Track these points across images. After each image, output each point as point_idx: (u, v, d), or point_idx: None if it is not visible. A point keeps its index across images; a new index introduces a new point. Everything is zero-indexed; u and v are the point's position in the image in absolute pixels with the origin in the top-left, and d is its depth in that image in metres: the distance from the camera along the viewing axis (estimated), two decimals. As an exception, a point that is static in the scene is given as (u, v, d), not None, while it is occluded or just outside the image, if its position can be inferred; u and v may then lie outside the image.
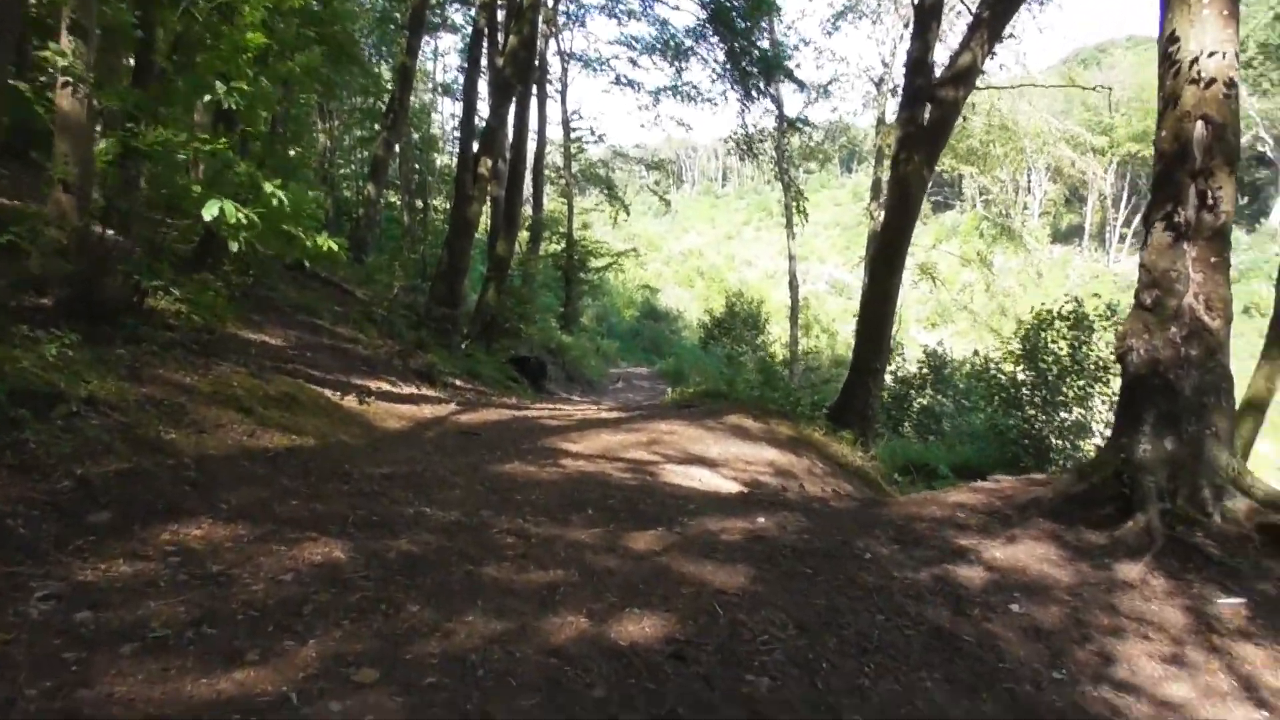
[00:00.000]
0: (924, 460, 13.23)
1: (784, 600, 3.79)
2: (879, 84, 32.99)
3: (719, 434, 9.06)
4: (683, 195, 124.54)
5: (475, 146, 16.21)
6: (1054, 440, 15.67)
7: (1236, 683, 3.27)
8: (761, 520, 5.24)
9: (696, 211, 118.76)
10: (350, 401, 7.87)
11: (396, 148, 30.82)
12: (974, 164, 33.11)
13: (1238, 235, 65.80)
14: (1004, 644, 3.47)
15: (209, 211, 6.11)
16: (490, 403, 10.32)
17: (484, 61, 21.41)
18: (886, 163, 33.17)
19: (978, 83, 11.07)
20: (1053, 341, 15.90)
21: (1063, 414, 15.71)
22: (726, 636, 3.41)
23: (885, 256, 11.21)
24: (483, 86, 22.62)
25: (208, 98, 6.82)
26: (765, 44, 19.32)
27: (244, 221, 6.26)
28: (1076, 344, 15.61)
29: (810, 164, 35.75)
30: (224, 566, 3.94)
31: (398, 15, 23.64)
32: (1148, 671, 3.32)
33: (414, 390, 9.49)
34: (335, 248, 7.36)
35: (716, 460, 8.23)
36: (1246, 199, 70.52)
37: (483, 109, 20.42)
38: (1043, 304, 17.13)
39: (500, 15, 18.12)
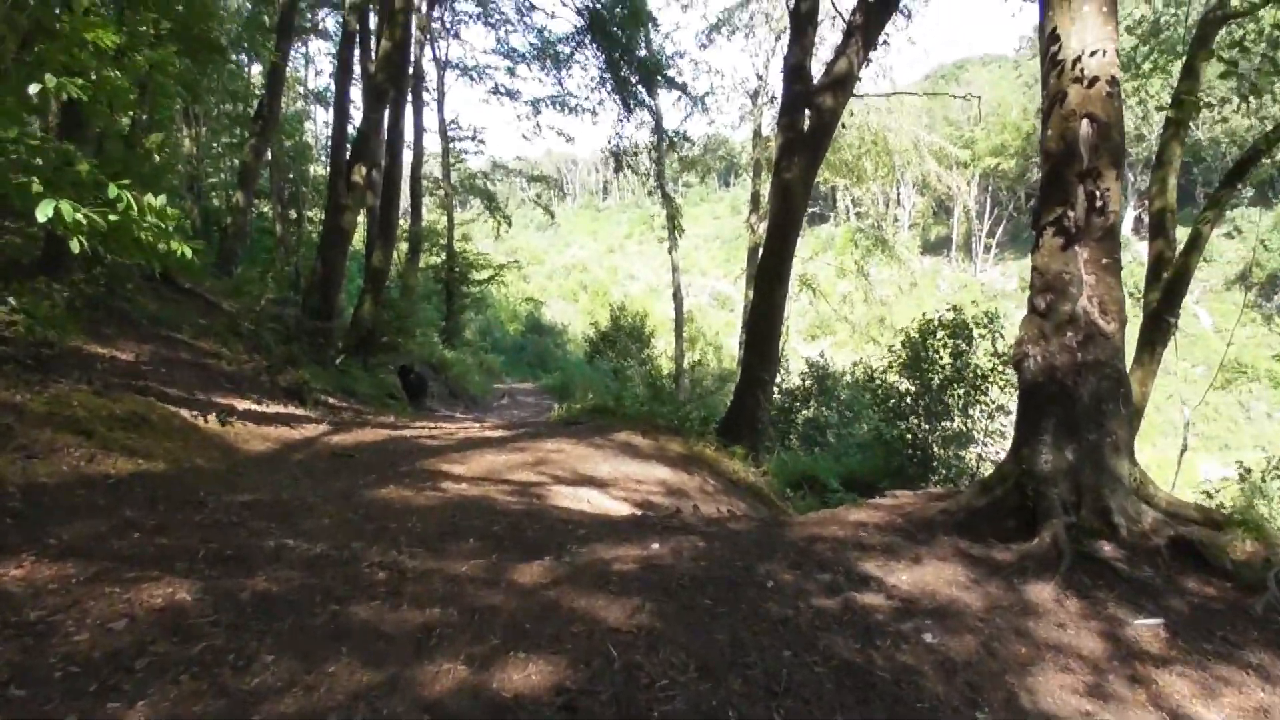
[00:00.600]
0: (813, 473, 13.24)
1: (684, 637, 3.50)
2: (754, 96, 33.50)
3: (608, 452, 8.76)
4: (565, 209, 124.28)
5: (348, 154, 15.55)
6: (937, 450, 15.95)
7: (1165, 716, 3.13)
8: (656, 546, 4.96)
9: (579, 225, 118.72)
10: (210, 422, 7.23)
11: (268, 155, 29.68)
12: (847, 176, 33.92)
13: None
14: (920, 679, 3.25)
15: (43, 212, 5.46)
16: (366, 422, 9.74)
17: (357, 68, 20.72)
18: (765, 175, 33.91)
19: (855, 91, 11.13)
20: (935, 350, 16.20)
21: (945, 423, 16.02)
22: (622, 683, 3.09)
23: (770, 266, 11.15)
24: (356, 94, 21.92)
25: (36, 87, 6.13)
26: (643, 53, 19.17)
27: (83, 223, 5.63)
28: (958, 352, 15.96)
29: (689, 177, 35.93)
30: (44, 613, 3.46)
31: (266, 18, 22.60)
32: (1072, 706, 3.15)
33: (282, 409, 8.84)
34: (190, 253, 6.75)
35: (606, 480, 7.92)
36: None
37: (356, 116, 19.76)
38: (923, 313, 17.47)
39: (373, 20, 17.51)
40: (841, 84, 10.65)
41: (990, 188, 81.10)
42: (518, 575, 4.38)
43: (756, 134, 33.46)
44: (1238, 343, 51.35)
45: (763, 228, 33.18)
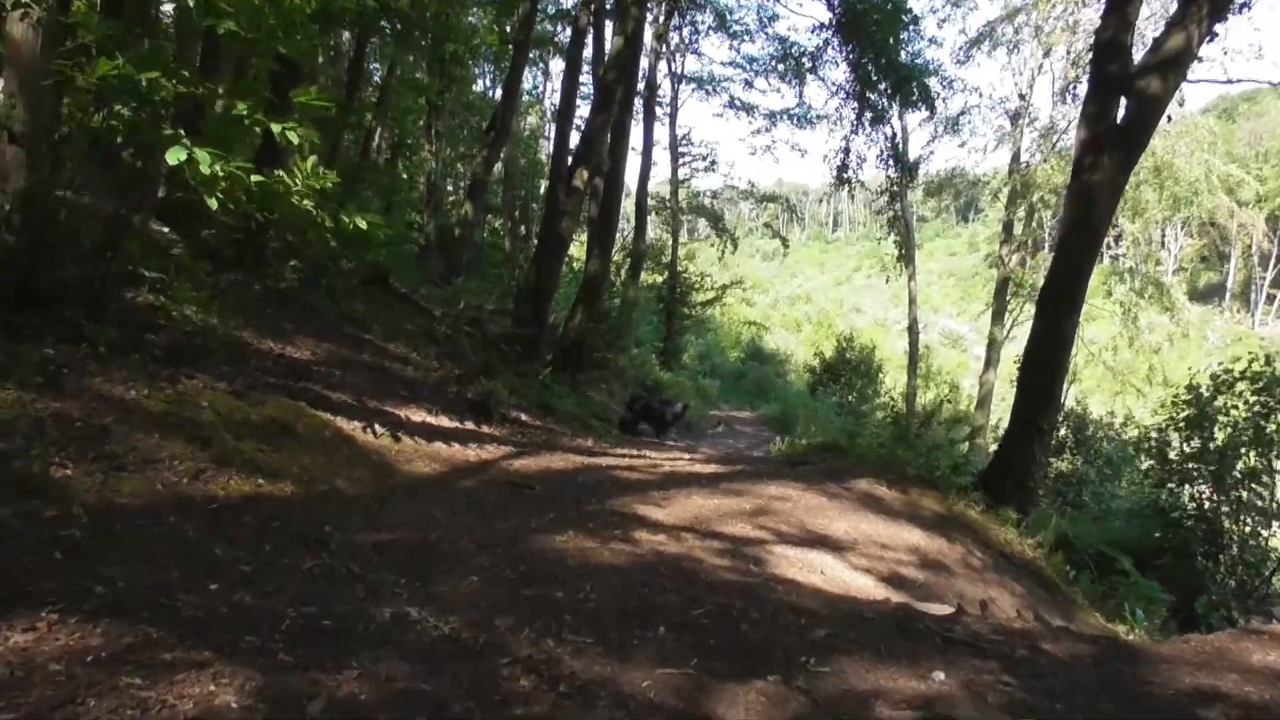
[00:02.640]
0: (1082, 541, 10.73)
1: None
2: (1014, 117, 30.45)
3: (845, 505, 6.96)
4: (792, 239, 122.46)
5: (570, 158, 14.61)
6: (1228, 525, 12.92)
7: None
8: (940, 677, 3.18)
9: (806, 256, 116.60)
10: (371, 435, 6.10)
11: (499, 169, 29.94)
12: (1122, 207, 30.09)
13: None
14: None
15: (174, 156, 4.45)
16: (558, 445, 8.43)
17: (586, 71, 20.02)
18: (1020, 203, 30.75)
19: (1190, 75, 8.76)
20: (1232, 406, 13.11)
21: (1241, 493, 12.90)
22: None
23: (1059, 289, 8.93)
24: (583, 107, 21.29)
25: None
26: (900, 56, 17.12)
27: (220, 174, 4.57)
28: (1264, 410, 12.80)
29: (924, 210, 33.06)
30: (15, 717, 2.21)
31: (507, 27, 22.49)
32: None
33: (462, 425, 7.66)
34: (364, 225, 5.66)
35: (844, 542, 6.14)
36: None
37: (580, 122, 18.98)
38: (1220, 363, 14.43)
39: (608, 30, 16.61)
40: (1173, 64, 8.34)
41: (1269, 232, 71.81)
42: (726, 706, 2.77)
43: (1015, 158, 30.42)
44: None
45: (1015, 260, 30.21)
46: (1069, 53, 29.66)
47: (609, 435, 11.15)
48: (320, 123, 16.22)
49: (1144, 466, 15.67)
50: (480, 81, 32.42)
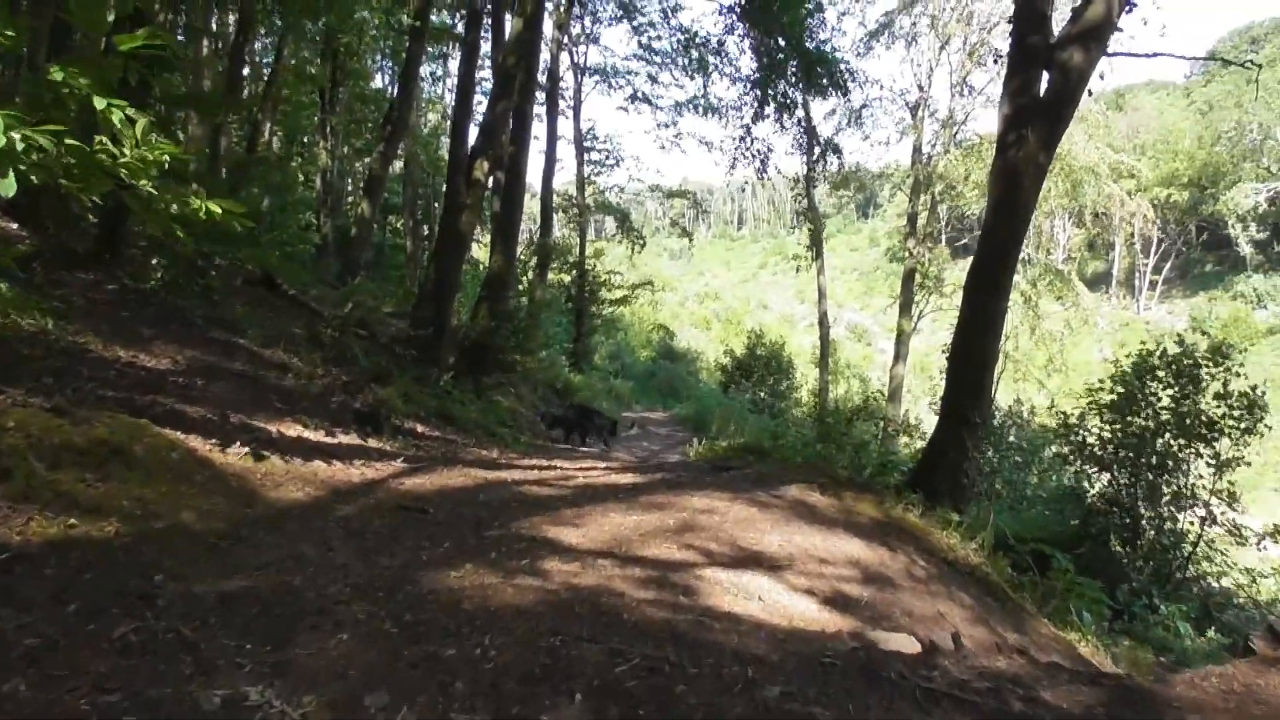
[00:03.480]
0: (1013, 535, 10.38)
1: None
2: (914, 109, 30.66)
3: (776, 515, 6.31)
4: (698, 239, 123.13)
5: (470, 148, 13.74)
6: (1144, 510, 12.84)
7: None
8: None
9: (712, 254, 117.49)
10: (233, 456, 5.18)
11: (399, 166, 28.72)
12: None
13: (1276, 283, 63.21)
14: None
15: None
16: (458, 458, 7.56)
17: (485, 64, 19.14)
18: (923, 195, 30.95)
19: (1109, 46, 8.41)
20: (1152, 391, 13.00)
21: (1159, 477, 12.80)
22: None
23: (988, 273, 8.50)
24: (483, 102, 20.36)
25: None
26: (808, 43, 16.71)
27: (17, 143, 3.64)
28: (1182, 395, 12.72)
29: (826, 205, 33.00)
30: None
31: (404, 17, 21.42)
32: None
33: (346, 439, 6.73)
34: (217, 210, 4.77)
35: (779, 559, 5.48)
36: (1284, 247, 68.22)
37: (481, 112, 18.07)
38: (1141, 343, 14.39)
39: (508, 15, 15.74)
40: (1095, 34, 7.97)
41: (1157, 220, 74.99)
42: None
43: (916, 150, 30.63)
44: None
45: (920, 251, 30.37)
46: (965, 44, 30.04)
47: (517, 443, 10.32)
48: (191, 105, 14.96)
49: (1053, 453, 15.57)
50: (379, 77, 31.19)
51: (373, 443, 6.93)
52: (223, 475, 4.87)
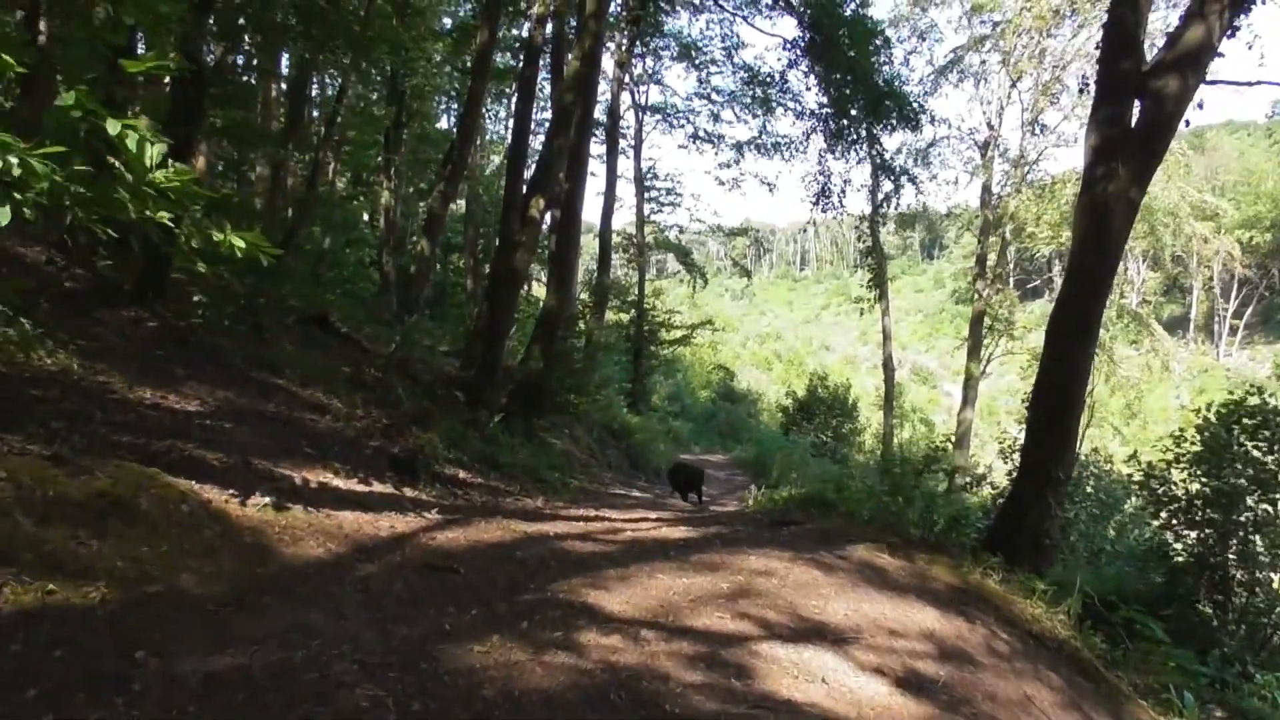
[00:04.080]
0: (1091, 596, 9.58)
1: None
2: (984, 148, 29.88)
3: (841, 579, 5.74)
4: (760, 279, 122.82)
5: (525, 186, 13.49)
6: (1235, 572, 11.86)
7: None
8: None
9: (774, 295, 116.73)
10: (252, 508, 4.80)
11: (460, 205, 28.81)
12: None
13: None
14: None
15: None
16: (499, 508, 7.10)
17: (544, 102, 19.01)
18: (993, 236, 30.03)
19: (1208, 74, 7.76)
20: (1241, 443, 12.07)
21: (1249, 537, 11.84)
22: None
23: (1072, 316, 7.83)
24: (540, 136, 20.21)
25: None
26: (875, 77, 16.23)
27: (14, 166, 3.34)
28: (1264, 448, 11.78)
29: (893, 241, 32.23)
30: None
31: (467, 59, 21.47)
32: None
33: (378, 488, 6.31)
34: (240, 244, 4.44)
35: (844, 631, 4.92)
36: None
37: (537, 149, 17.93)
38: (1231, 392, 13.45)
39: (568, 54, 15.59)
40: (1192, 60, 7.35)
41: (1246, 259, 72.44)
42: None
43: (985, 190, 29.81)
44: None
45: (989, 292, 29.43)
46: (1037, 82, 29.25)
47: (566, 489, 9.85)
48: (253, 140, 14.94)
49: (1131, 508, 14.60)
50: (444, 119, 31.49)
51: (408, 491, 6.51)
52: (236, 530, 4.48)
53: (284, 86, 22.23)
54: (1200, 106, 7.77)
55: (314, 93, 25.91)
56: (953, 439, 28.84)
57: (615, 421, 19.81)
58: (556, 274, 13.99)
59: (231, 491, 4.83)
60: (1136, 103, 7.69)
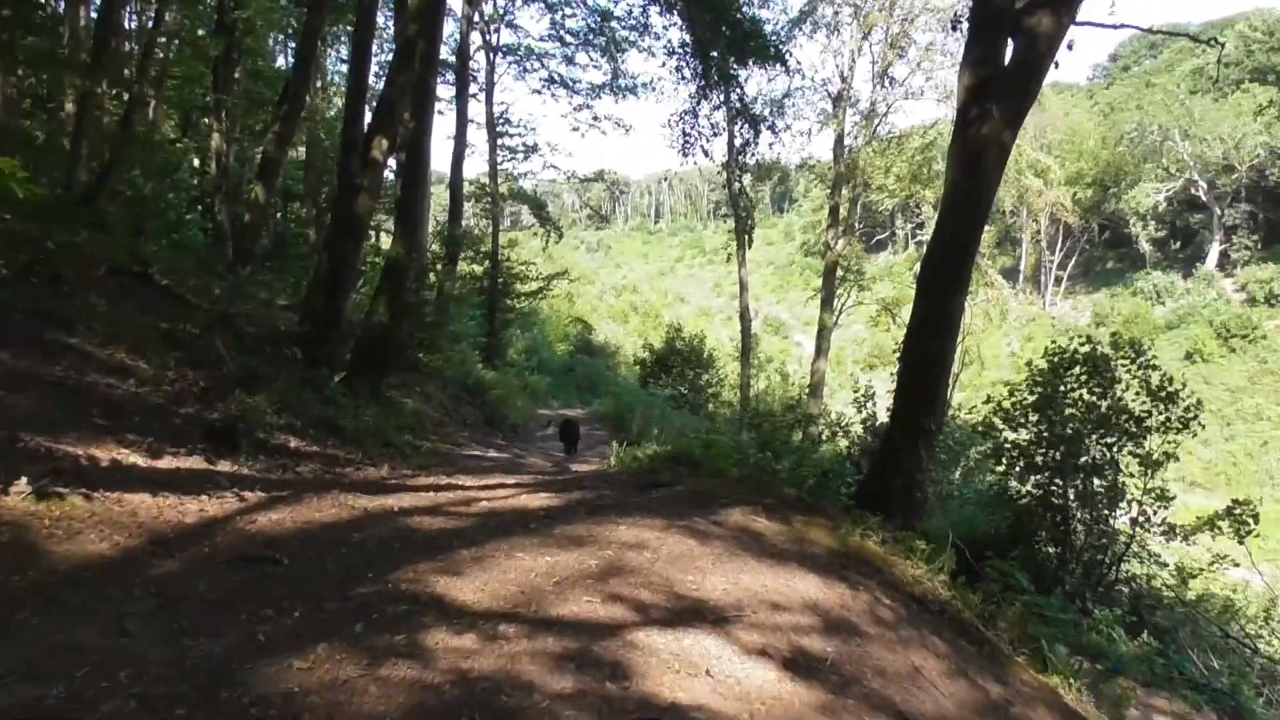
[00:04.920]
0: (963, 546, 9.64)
1: None
2: (836, 100, 30.13)
3: (718, 548, 5.28)
4: (615, 232, 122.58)
5: (366, 125, 12.40)
6: (1076, 511, 12.34)
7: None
8: None
9: (629, 247, 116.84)
10: (15, 497, 3.90)
11: (303, 152, 26.93)
12: (929, 190, 30.33)
13: (1174, 279, 65.27)
14: None
15: None
16: (337, 481, 6.28)
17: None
18: (845, 188, 30.46)
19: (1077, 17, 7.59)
20: (1071, 389, 12.51)
21: (1087, 479, 12.31)
22: None
23: (944, 265, 7.60)
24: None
25: None
26: (738, 14, 15.75)
27: None
28: (1099, 392, 12.23)
29: (758, 187, 32.27)
30: None
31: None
32: None
33: (186, 463, 5.40)
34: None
35: (725, 609, 4.47)
36: (1179, 242, 70.61)
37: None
38: (1053, 340, 13.91)
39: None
40: (1065, -1, 7.18)
41: (1076, 210, 76.91)
42: None
43: (838, 142, 30.10)
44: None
45: (842, 244, 29.89)
46: (887, 35, 29.65)
47: (417, 454, 9.07)
48: (55, 66, 13.18)
49: (976, 453, 14.99)
50: (281, 59, 29.24)
51: (224, 466, 5.62)
52: (-10, 525, 3.61)
53: (94, 15, 19.95)
54: (1070, 47, 7.59)
55: (132, 26, 23.54)
56: (807, 389, 29.39)
57: (470, 378, 18.95)
58: (403, 220, 12.96)
59: (-14, 477, 3.92)
60: (1010, 42, 7.46)
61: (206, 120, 24.16)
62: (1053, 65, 7.50)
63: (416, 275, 17.22)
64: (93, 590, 3.43)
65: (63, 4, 18.95)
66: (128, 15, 22.37)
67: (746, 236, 25.95)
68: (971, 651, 5.31)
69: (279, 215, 26.96)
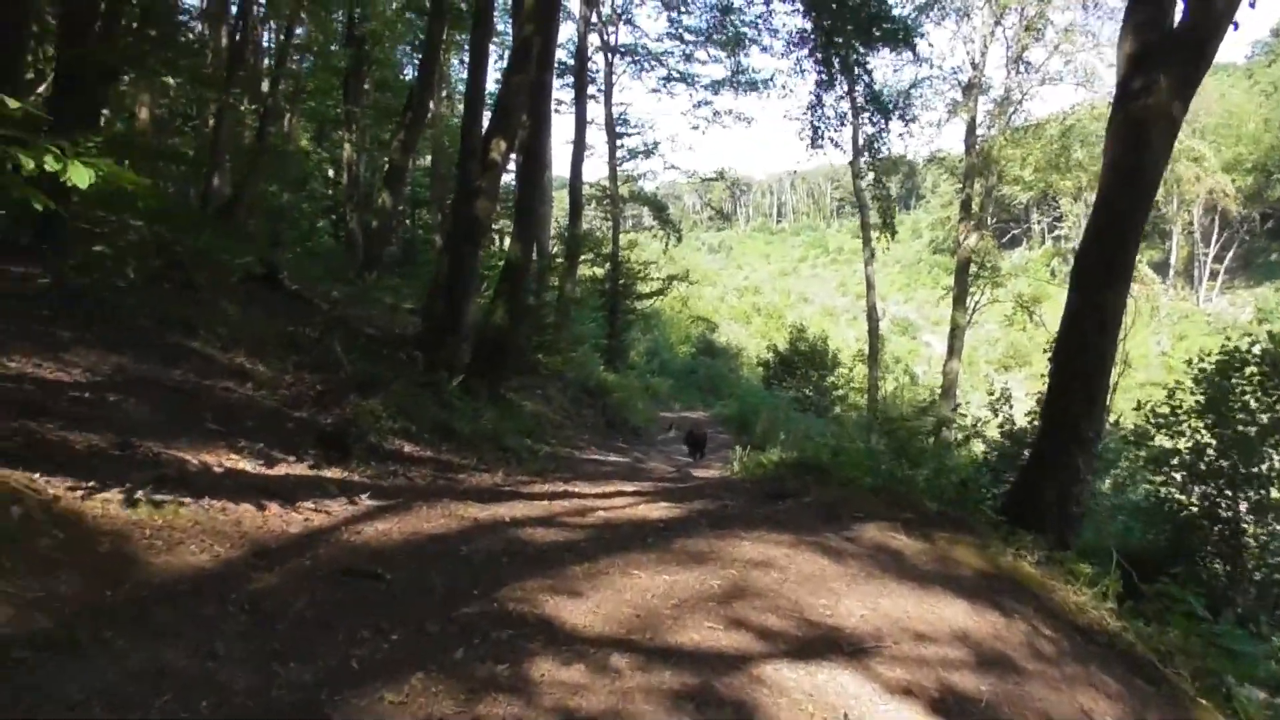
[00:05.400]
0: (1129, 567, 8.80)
1: None
2: (967, 89, 28.80)
3: (853, 568, 4.81)
4: (736, 232, 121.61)
5: (484, 128, 12.35)
6: (1248, 526, 11.21)
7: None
8: None
9: (751, 248, 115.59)
10: (116, 504, 3.80)
11: (428, 159, 27.50)
12: (1072, 182, 28.65)
13: None
14: None
15: None
16: (448, 488, 6.08)
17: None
18: (977, 180, 29.08)
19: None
20: (1244, 393, 11.35)
21: (1256, 489, 11.16)
22: None
23: (1102, 255, 6.85)
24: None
25: None
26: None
27: None
28: (1278, 394, 11.06)
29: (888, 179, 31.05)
30: None
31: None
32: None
33: (296, 469, 5.26)
34: (84, 180, 3.45)
35: (863, 638, 4.00)
36: None
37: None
38: (1228, 338, 12.73)
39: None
40: (1242, -48, 6.37)
41: (1219, 207, 71.87)
42: None
43: (970, 132, 28.80)
44: None
45: (974, 239, 28.54)
46: (1021, 18, 28.21)
47: (534, 459, 8.85)
48: (190, 78, 13.65)
49: (1126, 462, 13.86)
50: (409, 70, 30.00)
51: (333, 473, 5.47)
52: (89, 535, 3.48)
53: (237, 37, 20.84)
54: (1252, 4, 6.76)
55: (269, 44, 24.54)
56: (938, 390, 28.15)
57: (591, 380, 18.81)
58: (521, 222, 12.87)
59: (91, 484, 3.82)
60: (1179, 2, 6.69)
61: (339, 132, 24.97)
62: (1231, 27, 6.69)
63: (536, 277, 17.19)
64: (186, 606, 3.25)
65: (205, 25, 19.81)
66: (264, 32, 23.30)
67: (888, 232, 24.94)
68: (1149, 692, 4.66)
69: (407, 222, 27.63)
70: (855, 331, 54.73)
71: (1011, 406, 12.21)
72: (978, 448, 13.00)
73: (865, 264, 27.42)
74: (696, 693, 3.15)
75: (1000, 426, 12.16)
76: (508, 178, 18.20)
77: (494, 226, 18.50)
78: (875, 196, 23.86)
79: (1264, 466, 10.87)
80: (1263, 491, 10.87)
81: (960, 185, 30.22)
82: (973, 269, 28.39)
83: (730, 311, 65.12)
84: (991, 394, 12.62)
